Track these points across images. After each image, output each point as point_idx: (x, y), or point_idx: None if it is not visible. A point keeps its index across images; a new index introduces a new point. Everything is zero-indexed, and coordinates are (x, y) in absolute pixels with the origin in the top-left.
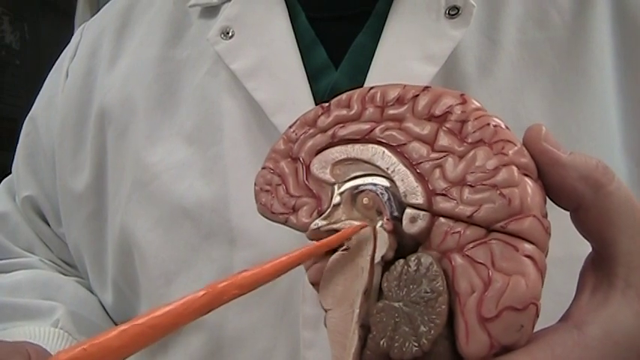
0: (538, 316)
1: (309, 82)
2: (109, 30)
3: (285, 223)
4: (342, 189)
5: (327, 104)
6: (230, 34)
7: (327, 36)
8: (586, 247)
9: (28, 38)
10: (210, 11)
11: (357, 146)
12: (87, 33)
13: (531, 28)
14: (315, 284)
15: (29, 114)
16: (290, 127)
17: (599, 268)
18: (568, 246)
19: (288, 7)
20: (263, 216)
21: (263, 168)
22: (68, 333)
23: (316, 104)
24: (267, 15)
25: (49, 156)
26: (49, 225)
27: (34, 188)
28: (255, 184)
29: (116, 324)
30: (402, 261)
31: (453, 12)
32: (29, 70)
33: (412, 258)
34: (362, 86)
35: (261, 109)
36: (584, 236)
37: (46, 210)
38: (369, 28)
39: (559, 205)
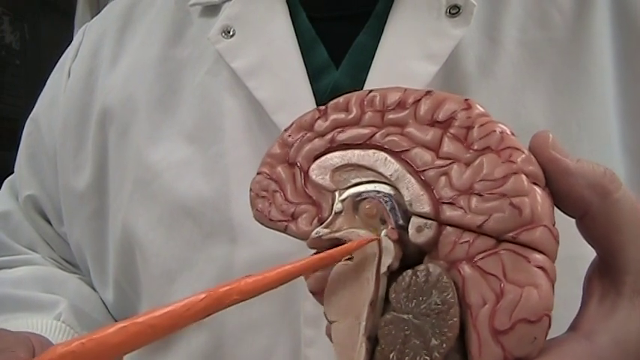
0: (550, 327)
1: (310, 81)
2: (111, 30)
3: (285, 230)
4: (343, 196)
5: (324, 107)
6: (231, 33)
7: (327, 35)
8: (586, 248)
9: (28, 38)
10: (211, 10)
11: (357, 152)
12: (89, 33)
13: (532, 28)
14: (315, 293)
15: (31, 114)
16: (285, 130)
17: (605, 276)
18: (568, 247)
19: (288, 6)
20: (259, 222)
21: (258, 173)
22: (70, 327)
23: (317, 103)
24: (268, 14)
25: (51, 156)
26: (50, 224)
27: (36, 188)
28: (250, 190)
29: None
30: (409, 271)
31: (454, 11)
32: (29, 70)
33: (421, 268)
34: (361, 88)
35: (262, 107)
36: (590, 243)
37: (48, 209)
38: (369, 28)
39: (565, 213)
